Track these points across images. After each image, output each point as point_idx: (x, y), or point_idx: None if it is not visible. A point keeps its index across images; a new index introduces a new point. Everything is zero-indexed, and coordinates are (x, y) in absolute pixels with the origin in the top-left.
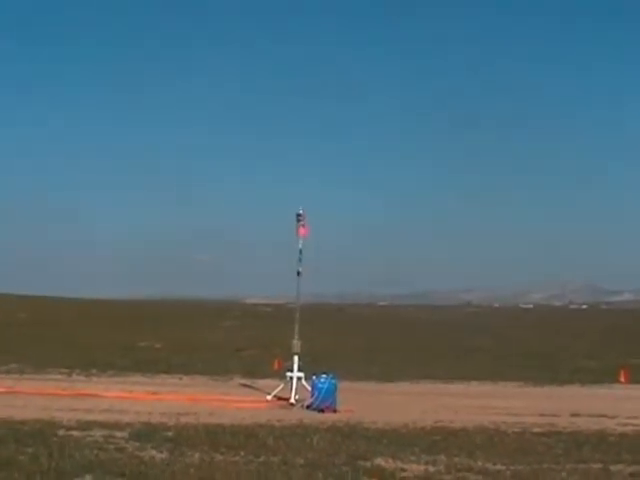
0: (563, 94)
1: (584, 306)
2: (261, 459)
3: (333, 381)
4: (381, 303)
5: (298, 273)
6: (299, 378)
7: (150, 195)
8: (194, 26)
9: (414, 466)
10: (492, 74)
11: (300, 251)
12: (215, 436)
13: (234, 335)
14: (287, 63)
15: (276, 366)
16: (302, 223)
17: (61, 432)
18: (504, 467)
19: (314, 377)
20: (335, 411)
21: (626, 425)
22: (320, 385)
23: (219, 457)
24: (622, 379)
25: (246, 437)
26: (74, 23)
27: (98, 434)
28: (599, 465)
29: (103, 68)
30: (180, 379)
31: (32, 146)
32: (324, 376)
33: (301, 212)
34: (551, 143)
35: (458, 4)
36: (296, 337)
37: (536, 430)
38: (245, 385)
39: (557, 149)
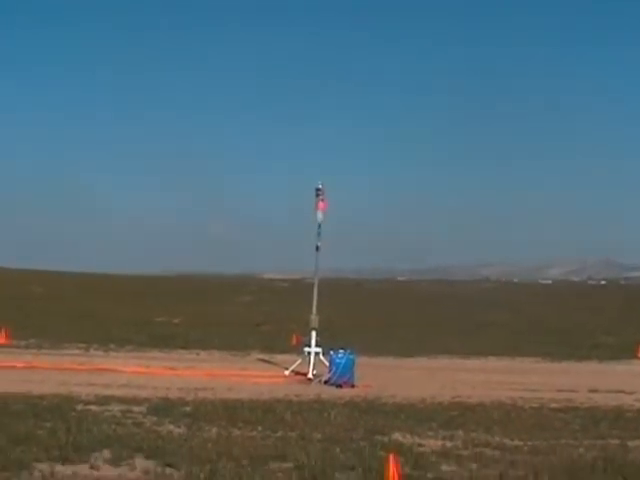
0: (579, 73)
1: (603, 282)
2: (279, 434)
3: (351, 356)
4: (399, 278)
5: (317, 248)
6: (317, 353)
7: (165, 169)
8: (196, 19)
9: (431, 441)
10: (510, 59)
11: (319, 225)
12: (233, 411)
13: (251, 310)
14: (301, 51)
15: (294, 341)
16: (321, 197)
17: (79, 407)
18: (521, 442)
19: (332, 352)
20: (353, 386)
21: None
22: (338, 360)
23: (237, 432)
24: None
25: (264, 412)
26: (76, 21)
27: (116, 409)
28: (617, 441)
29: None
30: (197, 354)
31: (43, 128)
32: (342, 351)
33: (320, 187)
34: (567, 120)
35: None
36: (314, 312)
37: (553, 406)
38: (263, 360)
39: (574, 125)
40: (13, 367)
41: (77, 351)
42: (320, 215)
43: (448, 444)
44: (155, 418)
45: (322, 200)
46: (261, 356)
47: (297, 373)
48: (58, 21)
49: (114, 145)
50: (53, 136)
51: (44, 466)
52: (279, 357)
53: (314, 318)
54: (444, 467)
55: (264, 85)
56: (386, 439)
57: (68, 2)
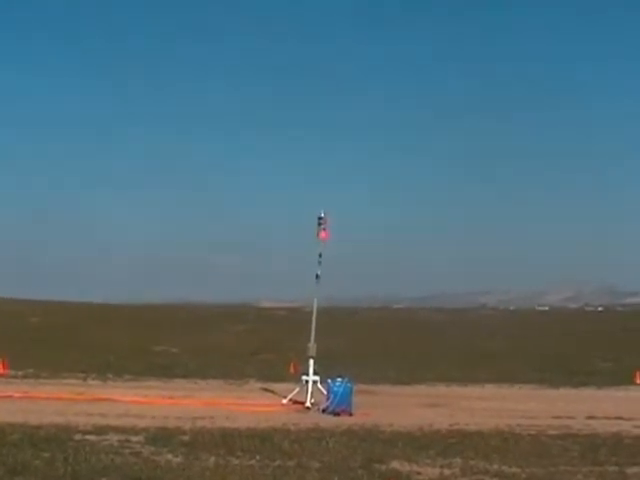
0: (585, 94)
1: (600, 308)
2: (277, 463)
3: (349, 384)
4: (396, 306)
5: (317, 276)
6: (315, 382)
7: (165, 198)
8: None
9: (429, 469)
10: (508, 71)
11: (320, 254)
12: (231, 440)
13: (249, 339)
14: (299, 62)
15: (292, 370)
16: (323, 227)
17: (77, 437)
18: (519, 470)
19: (329, 380)
20: (351, 414)
21: None
22: (336, 389)
23: (235, 461)
24: (638, 381)
25: (262, 441)
26: (71, 23)
27: (114, 438)
28: (615, 468)
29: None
30: (195, 383)
31: (42, 148)
32: (339, 379)
33: (322, 215)
34: (567, 145)
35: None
36: (312, 340)
37: (552, 433)
38: (261, 389)
39: (573, 150)
40: (10, 397)
41: (75, 381)
42: (321, 244)
43: (446, 472)
44: (153, 448)
45: (324, 229)
46: (259, 385)
47: (295, 402)
48: (58, 34)
49: (111, 174)
50: (51, 162)
51: None
52: (277, 386)
53: (312, 346)
54: None
55: (264, 110)
56: (384, 467)
57: (62, 13)
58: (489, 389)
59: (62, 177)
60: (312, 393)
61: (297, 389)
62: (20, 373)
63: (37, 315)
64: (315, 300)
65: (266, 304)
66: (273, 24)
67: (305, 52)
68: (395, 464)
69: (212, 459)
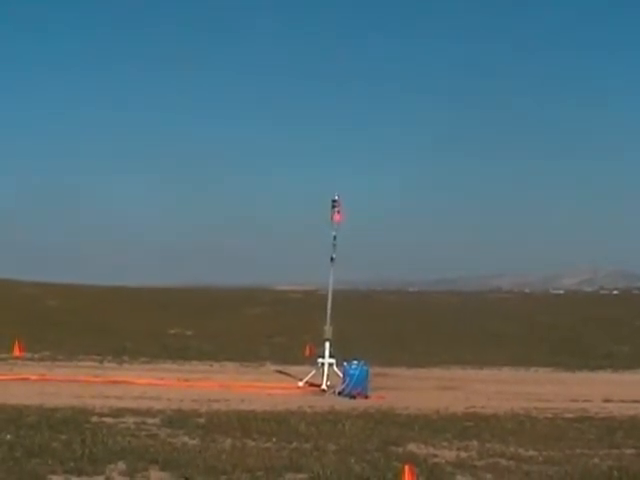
0: (595, 78)
1: (615, 291)
2: (293, 445)
3: (364, 367)
4: (411, 289)
5: (332, 259)
6: (330, 364)
7: (179, 181)
8: (201, 16)
9: (446, 452)
10: (519, 57)
11: (334, 237)
12: (247, 422)
13: (264, 322)
14: (306, 52)
15: (307, 352)
16: (337, 209)
17: (94, 419)
18: (536, 453)
19: (345, 363)
20: (366, 397)
21: None
22: (351, 371)
23: (251, 443)
24: None
25: (278, 423)
26: (74, 18)
27: (130, 421)
28: (632, 450)
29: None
30: (211, 366)
31: (54, 129)
32: (355, 362)
33: (336, 198)
34: (581, 125)
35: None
36: (328, 323)
37: (568, 416)
38: (276, 371)
39: (587, 132)
40: (27, 379)
41: (91, 363)
42: (335, 227)
43: (463, 455)
44: (169, 430)
45: (338, 212)
46: (275, 367)
47: (311, 384)
48: (51, 18)
49: (126, 157)
50: (63, 148)
51: (59, 478)
52: (293, 368)
53: (328, 329)
54: (459, 478)
55: (278, 95)
56: (400, 450)
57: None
58: (505, 372)
59: (74, 161)
60: (328, 376)
61: (313, 372)
62: (36, 356)
63: (54, 298)
64: (331, 283)
65: (281, 287)
66: (283, 20)
67: (308, 50)
68: (412, 447)
69: (228, 441)
